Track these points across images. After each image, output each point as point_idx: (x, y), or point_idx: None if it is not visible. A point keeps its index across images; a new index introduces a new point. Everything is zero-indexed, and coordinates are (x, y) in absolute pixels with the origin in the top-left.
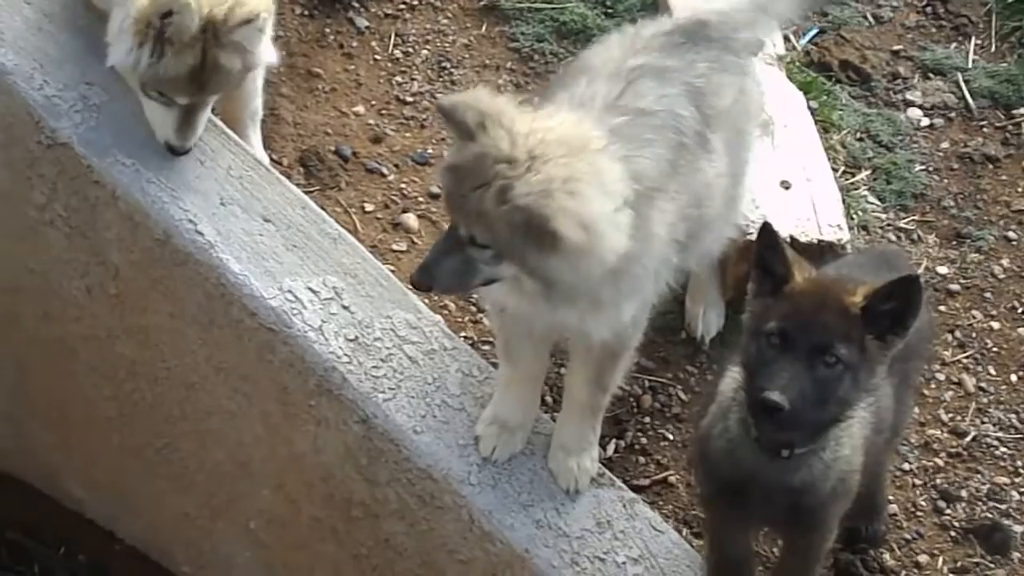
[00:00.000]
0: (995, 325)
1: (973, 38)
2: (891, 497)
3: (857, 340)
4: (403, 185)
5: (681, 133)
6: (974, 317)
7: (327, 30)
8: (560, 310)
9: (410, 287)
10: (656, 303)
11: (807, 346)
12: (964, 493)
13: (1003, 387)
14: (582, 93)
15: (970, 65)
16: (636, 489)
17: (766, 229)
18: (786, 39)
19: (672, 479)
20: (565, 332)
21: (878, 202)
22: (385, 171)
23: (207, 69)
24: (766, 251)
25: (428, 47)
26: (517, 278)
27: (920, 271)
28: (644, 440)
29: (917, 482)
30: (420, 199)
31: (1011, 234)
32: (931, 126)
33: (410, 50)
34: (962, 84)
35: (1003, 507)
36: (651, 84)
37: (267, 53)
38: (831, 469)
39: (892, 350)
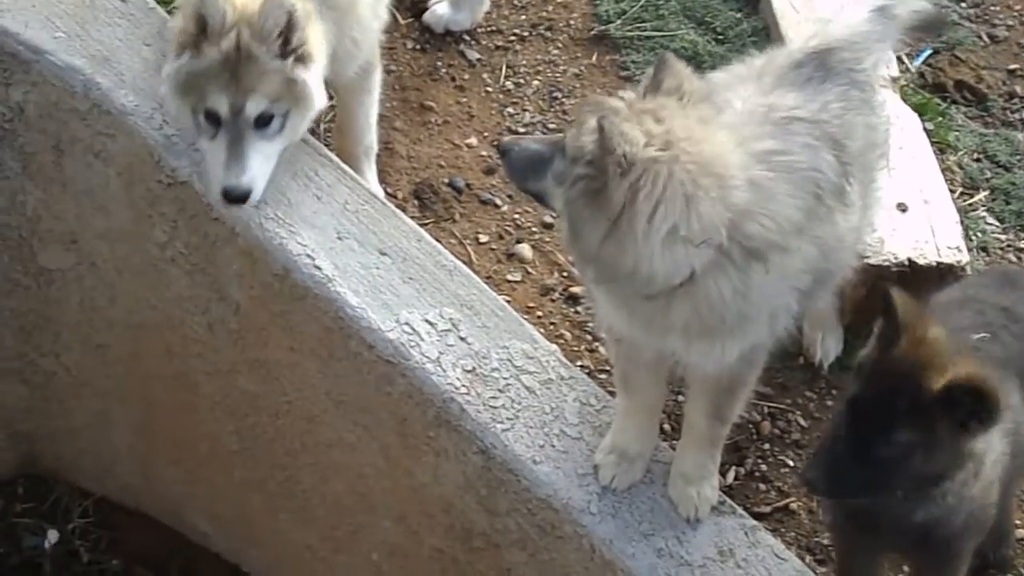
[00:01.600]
0: None
1: None
2: (1018, 521)
3: (925, 426)
4: (516, 216)
5: (819, 187)
6: None
7: (439, 63)
8: (666, 338)
9: (523, 317)
10: (775, 345)
11: (869, 425)
12: None
13: None
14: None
15: None
16: (757, 516)
17: (887, 298)
18: (900, 60)
19: (793, 506)
20: (674, 361)
21: (997, 223)
22: (498, 202)
23: (243, 61)
24: (884, 310)
25: (539, 78)
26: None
27: None
28: (764, 467)
29: None
30: (534, 229)
31: None
32: None
33: (521, 81)
34: None
35: None
36: (791, 133)
37: (316, 51)
38: (959, 506)
39: (974, 437)
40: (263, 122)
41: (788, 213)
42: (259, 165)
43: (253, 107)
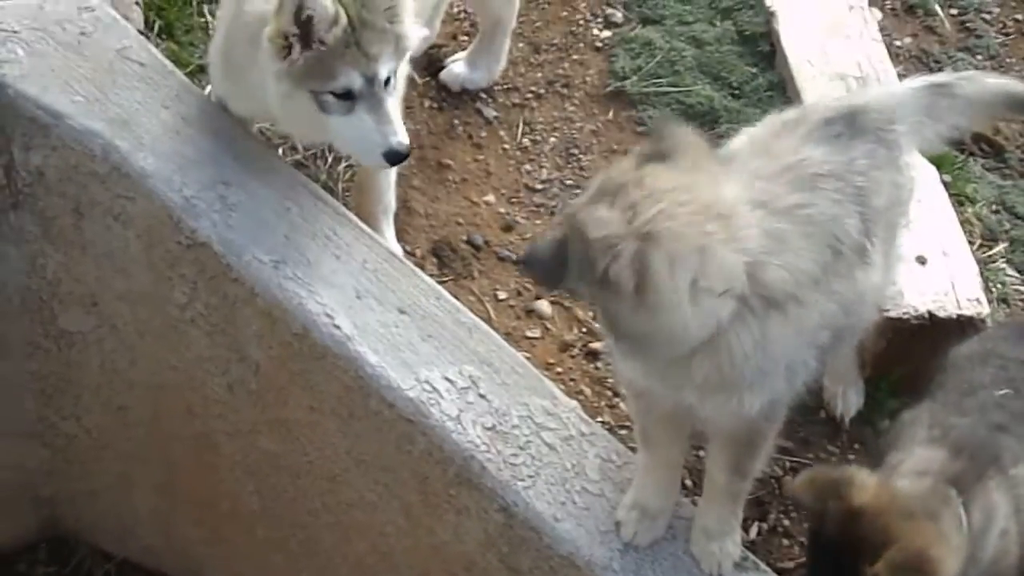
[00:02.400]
0: None
1: None
2: None
3: None
4: None
5: (839, 242)
6: None
7: (456, 121)
8: (682, 392)
9: (542, 374)
10: (794, 400)
11: None
12: None
13: None
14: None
15: None
16: (780, 572)
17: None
18: None
19: None
20: (692, 416)
21: (1017, 274)
22: (517, 259)
23: (361, 29)
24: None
25: (556, 134)
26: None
27: None
28: (787, 522)
29: None
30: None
31: None
32: None
33: (538, 138)
34: None
35: None
36: (816, 189)
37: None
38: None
39: None
40: (387, 83)
41: (805, 265)
42: (400, 121)
43: (383, 71)
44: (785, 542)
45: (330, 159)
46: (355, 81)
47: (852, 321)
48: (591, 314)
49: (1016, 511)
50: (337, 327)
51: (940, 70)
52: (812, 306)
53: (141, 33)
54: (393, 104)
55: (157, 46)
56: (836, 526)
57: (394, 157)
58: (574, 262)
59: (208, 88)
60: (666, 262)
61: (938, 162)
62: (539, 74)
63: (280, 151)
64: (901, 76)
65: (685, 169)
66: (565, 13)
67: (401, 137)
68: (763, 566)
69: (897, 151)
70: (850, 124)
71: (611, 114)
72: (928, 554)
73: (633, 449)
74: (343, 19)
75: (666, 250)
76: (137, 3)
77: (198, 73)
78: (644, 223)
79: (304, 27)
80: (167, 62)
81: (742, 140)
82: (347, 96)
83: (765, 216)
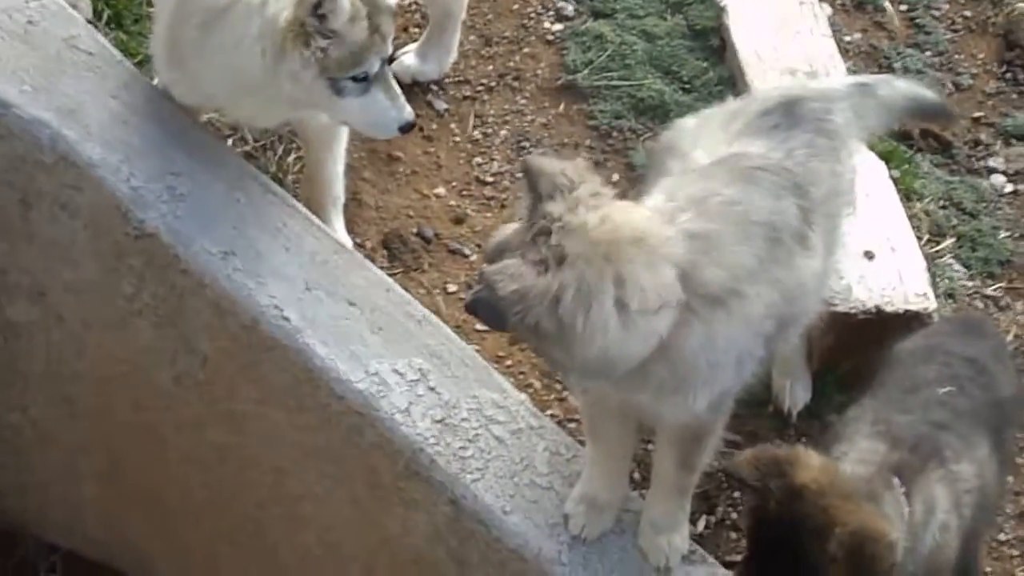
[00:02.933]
0: None
1: None
2: (988, 568)
3: None
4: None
5: (777, 231)
6: None
7: None
8: (636, 393)
9: (492, 367)
10: (742, 391)
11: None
12: None
13: None
14: (674, 184)
15: None
16: (728, 565)
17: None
18: None
19: None
20: (641, 412)
21: (964, 270)
22: (467, 251)
23: (376, 16)
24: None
25: (507, 127)
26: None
27: (1009, 338)
28: (735, 515)
29: (1015, 553)
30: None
31: None
32: (1015, 192)
33: (489, 131)
34: None
35: None
36: (752, 182)
37: None
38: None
39: None
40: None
41: (741, 260)
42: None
43: (389, 50)
44: (733, 535)
45: (280, 151)
46: (375, 65)
47: (795, 309)
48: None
49: (956, 506)
50: (286, 319)
51: (889, 66)
52: (754, 298)
53: (89, 22)
54: (391, 75)
55: (106, 35)
56: (778, 504)
57: (407, 128)
58: (499, 315)
59: (156, 78)
60: (581, 302)
61: (887, 157)
62: (490, 67)
63: (229, 142)
64: (851, 71)
65: (584, 206)
66: (516, 6)
67: (409, 109)
68: (711, 559)
69: (837, 141)
70: (787, 114)
71: (562, 107)
72: (882, 531)
73: (582, 442)
74: (363, 11)
75: (578, 290)
76: None
77: (147, 63)
78: (553, 269)
79: (322, 19)
80: (116, 52)
81: (689, 124)
82: (364, 78)
83: (694, 218)
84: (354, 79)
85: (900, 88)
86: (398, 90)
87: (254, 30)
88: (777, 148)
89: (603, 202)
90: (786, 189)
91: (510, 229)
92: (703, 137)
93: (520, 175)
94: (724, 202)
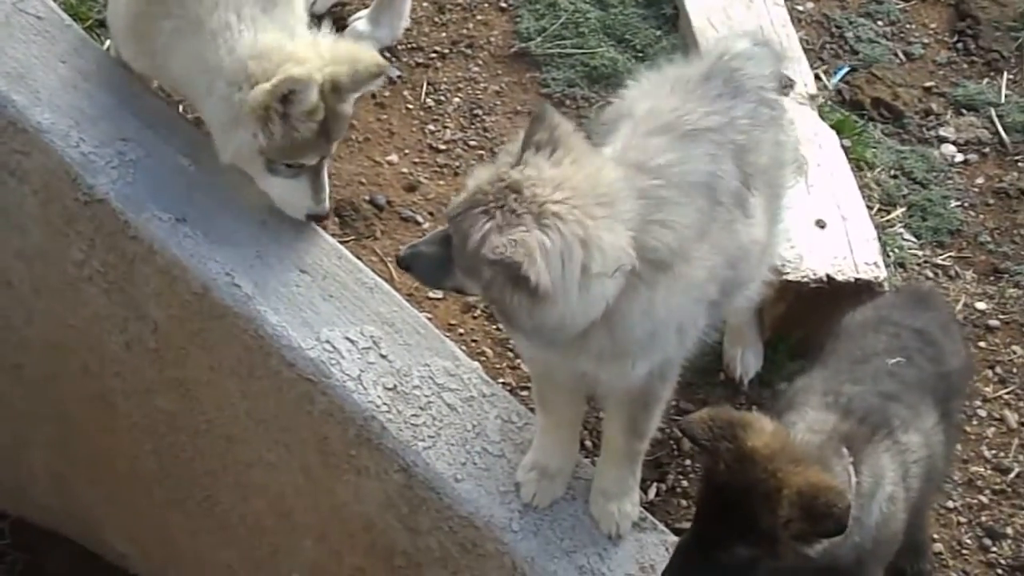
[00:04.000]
0: None
1: (1005, 73)
2: (936, 536)
3: (767, 543)
4: None
5: (717, 193)
6: (1014, 352)
7: None
8: (577, 359)
9: (444, 335)
10: (688, 358)
11: (711, 537)
12: (1010, 530)
13: None
14: (619, 146)
15: (1003, 100)
16: (678, 532)
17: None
18: (817, 78)
19: None
20: (589, 383)
21: (914, 239)
22: (420, 219)
23: (331, 121)
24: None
25: (460, 95)
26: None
27: (958, 308)
28: (685, 483)
29: (962, 520)
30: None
31: None
32: (965, 162)
33: (442, 98)
34: (995, 119)
35: None
36: (693, 143)
37: None
38: (847, 552)
39: (820, 546)
40: None
41: (686, 219)
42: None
43: (334, 149)
44: (684, 503)
45: None
46: (312, 160)
47: (738, 276)
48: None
49: (904, 477)
50: (237, 286)
51: (841, 35)
52: (698, 261)
53: None
54: (326, 169)
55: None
56: (728, 467)
57: (315, 219)
58: (460, 266)
59: (108, 43)
60: (556, 263)
61: (839, 127)
62: (443, 34)
63: (181, 108)
64: (803, 40)
65: (564, 163)
66: None
67: (327, 204)
68: (661, 527)
69: (779, 110)
70: (730, 83)
71: (515, 75)
72: (830, 483)
73: (534, 410)
74: (321, 114)
75: (553, 251)
76: None
77: (97, 28)
78: (528, 228)
79: (285, 103)
80: (65, 16)
81: (636, 88)
82: (298, 167)
83: (640, 177)
84: (288, 165)
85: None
86: (326, 184)
87: (226, 75)
88: (719, 114)
89: (582, 156)
90: (726, 153)
91: (484, 175)
92: (649, 101)
93: (532, 120)
94: (665, 164)
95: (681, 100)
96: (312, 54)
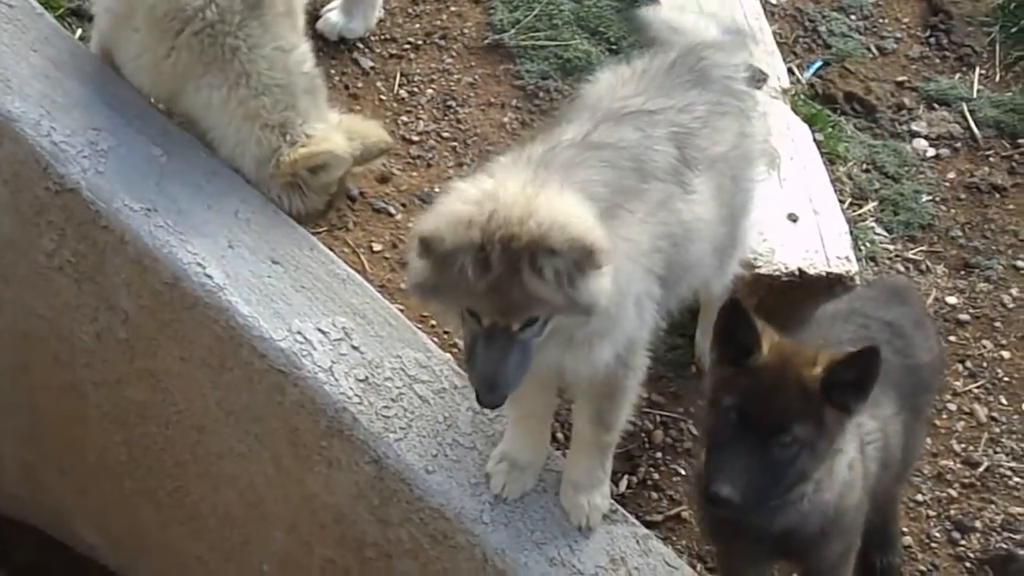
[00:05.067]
0: (1006, 354)
1: (977, 68)
2: (905, 529)
3: (815, 416)
4: (410, 224)
5: (645, 164)
6: (984, 347)
7: (332, 71)
8: (540, 351)
9: (416, 327)
10: (652, 346)
11: (764, 428)
12: (978, 524)
13: (1015, 416)
14: (553, 137)
15: (975, 95)
16: (649, 525)
17: (735, 303)
18: (791, 72)
19: (685, 514)
20: (549, 373)
21: (886, 233)
22: (392, 211)
23: (337, 196)
24: (734, 322)
25: (433, 86)
26: (558, 330)
27: (929, 302)
28: (656, 475)
29: (931, 513)
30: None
31: (1020, 263)
32: (937, 156)
33: (415, 90)
34: (967, 114)
35: (1018, 537)
36: (629, 126)
37: None
38: (812, 514)
39: (853, 418)
40: None
41: (599, 175)
42: None
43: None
44: (654, 495)
45: None
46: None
47: (682, 255)
48: None
49: (861, 450)
50: (208, 276)
51: (815, 29)
52: (634, 224)
53: None
54: None
55: None
56: (772, 352)
57: None
58: (564, 292)
59: (80, 32)
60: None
61: (811, 121)
62: (417, 25)
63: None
64: (776, 34)
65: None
66: None
67: None
68: (632, 519)
69: (748, 102)
70: (694, 71)
71: (489, 67)
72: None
73: None
74: (335, 188)
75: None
76: None
77: (69, 16)
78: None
79: (307, 177)
80: (36, 4)
81: (597, 86)
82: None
83: (563, 152)
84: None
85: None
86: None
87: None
88: (668, 99)
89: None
90: (662, 132)
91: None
92: (614, 90)
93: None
94: (591, 140)
95: (637, 89)
96: (341, 138)
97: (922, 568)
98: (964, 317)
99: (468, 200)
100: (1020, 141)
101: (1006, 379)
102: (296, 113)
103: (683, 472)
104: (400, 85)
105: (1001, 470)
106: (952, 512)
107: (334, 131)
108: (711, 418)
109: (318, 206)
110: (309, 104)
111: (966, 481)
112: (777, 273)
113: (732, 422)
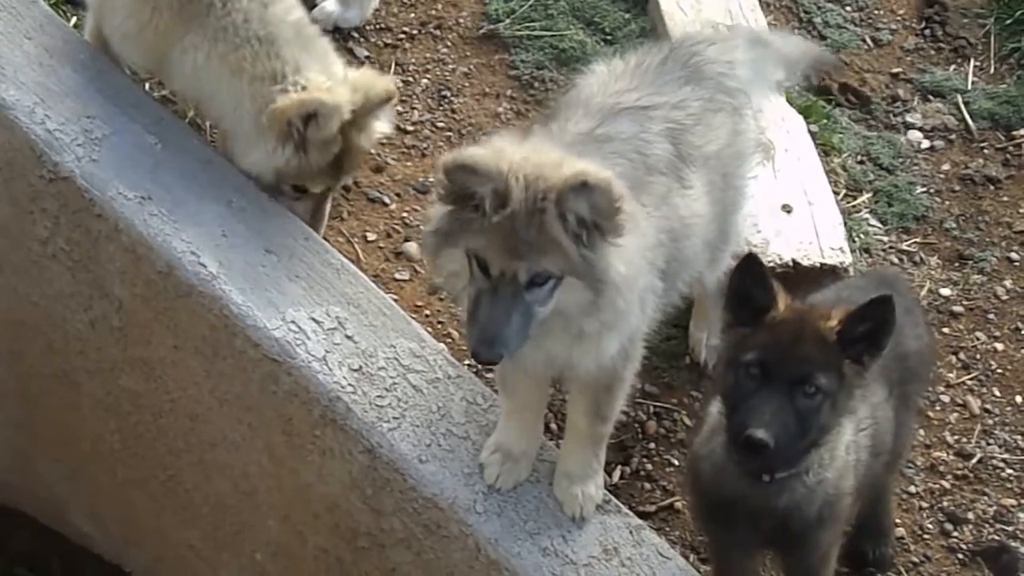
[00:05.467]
0: (999, 346)
1: (972, 60)
2: (898, 520)
3: (835, 367)
4: (405, 214)
5: (646, 157)
6: (978, 339)
7: None
8: (547, 344)
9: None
10: (647, 337)
11: (788, 378)
12: (971, 515)
13: (1008, 408)
14: (561, 128)
15: (969, 87)
16: (642, 515)
17: (751, 259)
18: None
19: (678, 505)
20: (555, 367)
21: (880, 225)
22: (387, 200)
23: (347, 154)
24: (749, 281)
25: (428, 76)
26: (561, 313)
27: (923, 293)
28: (650, 466)
29: (924, 505)
30: (422, 228)
31: (1013, 255)
32: (931, 148)
33: (410, 79)
34: (962, 106)
35: (1010, 529)
36: (627, 120)
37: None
38: (815, 493)
39: (869, 371)
40: None
41: (615, 168)
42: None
43: (341, 183)
44: (647, 486)
45: None
46: (318, 189)
47: (680, 250)
48: None
49: (856, 433)
50: (203, 265)
51: (810, 20)
52: (643, 218)
53: None
54: (329, 201)
55: None
56: (788, 309)
57: None
58: (584, 244)
59: (74, 20)
60: None
61: (805, 112)
62: (412, 15)
63: (147, 86)
64: (771, 25)
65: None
66: None
67: (321, 232)
68: (625, 509)
69: (742, 99)
70: (687, 67)
71: (484, 57)
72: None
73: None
74: (337, 146)
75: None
76: None
77: (63, 4)
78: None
79: (307, 131)
80: None
81: (591, 79)
82: (303, 191)
83: (566, 143)
84: (294, 187)
85: (795, 43)
86: (326, 215)
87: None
88: (659, 95)
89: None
90: (657, 128)
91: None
92: (606, 85)
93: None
94: (587, 131)
95: (629, 84)
96: (345, 91)
97: (915, 559)
98: (958, 309)
99: (502, 145)
100: (1015, 133)
101: (999, 371)
102: (283, 63)
103: (676, 463)
104: (395, 74)
105: (994, 462)
106: (945, 504)
107: (337, 83)
108: (730, 377)
109: (320, 163)
110: (299, 54)
111: (959, 473)
112: (771, 264)
113: (755, 376)
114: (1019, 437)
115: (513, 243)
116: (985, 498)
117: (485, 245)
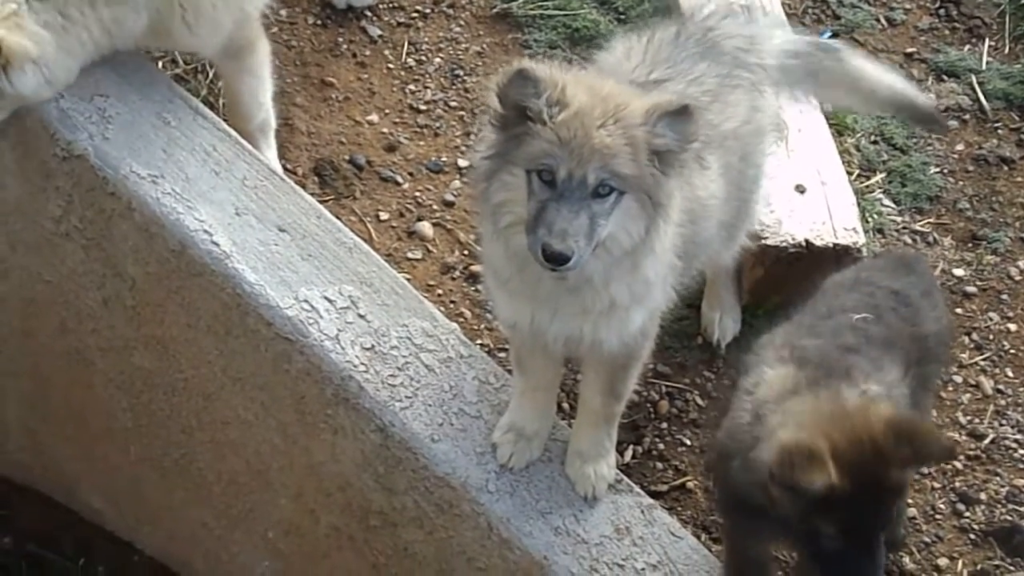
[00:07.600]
0: (1012, 327)
1: (987, 40)
2: (910, 500)
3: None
4: (417, 193)
5: None
6: (991, 319)
7: (340, 39)
8: (573, 321)
9: (423, 296)
10: (663, 316)
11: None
12: (983, 496)
13: (1021, 389)
14: None
15: (984, 67)
16: (654, 495)
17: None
18: None
19: (690, 485)
20: (577, 344)
21: (893, 205)
22: (400, 179)
23: None
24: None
25: (441, 55)
26: (621, 223)
27: (936, 273)
28: (662, 446)
29: (936, 485)
30: (435, 207)
31: None
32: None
33: (423, 58)
34: (976, 86)
35: (1022, 509)
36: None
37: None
38: None
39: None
40: None
41: None
42: None
43: None
44: (659, 466)
45: (211, 74)
46: None
47: (696, 231)
48: (472, 237)
49: None
50: (215, 244)
51: (824, 1)
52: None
53: None
54: None
55: None
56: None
57: None
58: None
59: None
60: None
61: None
62: None
63: (160, 64)
64: (786, 5)
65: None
66: None
67: None
68: (637, 489)
69: (760, 75)
70: (701, 42)
71: (497, 35)
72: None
73: (511, 372)
74: None
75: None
76: None
77: None
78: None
79: None
80: None
81: (607, 56)
82: None
83: None
84: None
85: (887, 80)
86: None
87: None
88: (674, 69)
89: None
90: None
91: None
92: (620, 63)
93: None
94: None
95: (643, 60)
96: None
97: (927, 539)
98: (971, 289)
99: None
100: None
101: (1012, 351)
102: None
103: (688, 443)
104: (408, 54)
105: (1006, 442)
106: (957, 484)
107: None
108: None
109: None
110: None
111: (971, 453)
112: (784, 244)
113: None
114: None
115: (582, 143)
116: (997, 478)
117: (549, 150)
